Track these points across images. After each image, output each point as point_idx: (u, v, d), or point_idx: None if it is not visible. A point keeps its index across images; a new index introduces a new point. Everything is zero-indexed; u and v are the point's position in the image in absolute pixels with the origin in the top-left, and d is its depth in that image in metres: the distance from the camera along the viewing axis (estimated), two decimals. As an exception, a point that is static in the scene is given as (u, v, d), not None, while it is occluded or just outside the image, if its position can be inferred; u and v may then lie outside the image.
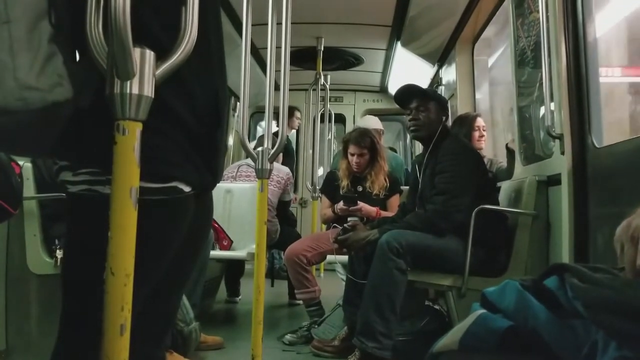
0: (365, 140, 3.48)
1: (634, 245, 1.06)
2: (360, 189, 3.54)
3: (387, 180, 3.52)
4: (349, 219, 3.07)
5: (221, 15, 1.28)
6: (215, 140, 1.20)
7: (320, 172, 5.79)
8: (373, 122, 4.52)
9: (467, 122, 3.61)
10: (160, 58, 0.96)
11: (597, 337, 1.00)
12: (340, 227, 2.95)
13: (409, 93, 2.85)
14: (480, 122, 3.64)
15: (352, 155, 3.50)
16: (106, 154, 0.93)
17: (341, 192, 3.53)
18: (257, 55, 4.49)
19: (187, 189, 1.11)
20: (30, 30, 0.93)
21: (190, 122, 1.11)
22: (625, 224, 1.10)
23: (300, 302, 3.62)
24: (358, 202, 3.41)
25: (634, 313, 0.95)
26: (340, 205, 3.44)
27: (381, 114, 5.16)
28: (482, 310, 1.23)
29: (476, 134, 3.57)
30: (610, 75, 4.69)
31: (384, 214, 3.41)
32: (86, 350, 1.00)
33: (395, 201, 3.56)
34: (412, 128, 2.83)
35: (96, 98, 1.00)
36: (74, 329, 1.07)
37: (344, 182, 3.57)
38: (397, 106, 2.98)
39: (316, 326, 3.22)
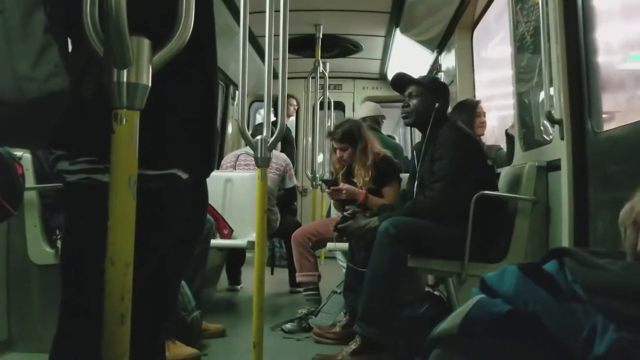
0: (340, 133, 3.39)
1: (635, 229, 1.06)
2: (357, 182, 3.46)
3: (370, 171, 3.35)
4: (346, 207, 3.06)
5: (214, 1, 1.27)
6: (210, 127, 1.21)
7: (320, 160, 5.78)
8: (371, 108, 4.49)
9: (468, 108, 3.59)
10: (157, 46, 0.95)
11: (596, 320, 1.00)
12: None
13: (401, 81, 2.86)
14: (481, 108, 3.62)
15: (335, 150, 3.47)
16: (104, 143, 0.93)
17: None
18: (255, 43, 4.46)
19: (185, 175, 1.12)
20: (25, 20, 0.92)
21: (186, 109, 1.11)
22: (628, 208, 1.09)
23: (301, 289, 3.64)
24: (341, 183, 3.35)
25: (633, 296, 0.95)
26: (326, 189, 3.44)
27: (380, 102, 5.14)
28: (482, 295, 1.23)
29: (477, 120, 3.56)
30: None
31: (375, 199, 3.29)
32: (86, 340, 1.01)
33: (390, 190, 3.41)
34: (402, 115, 2.86)
35: (94, 87, 1.00)
36: (74, 319, 1.08)
37: (339, 176, 3.54)
38: (396, 93, 2.98)
39: (313, 317, 3.23)
